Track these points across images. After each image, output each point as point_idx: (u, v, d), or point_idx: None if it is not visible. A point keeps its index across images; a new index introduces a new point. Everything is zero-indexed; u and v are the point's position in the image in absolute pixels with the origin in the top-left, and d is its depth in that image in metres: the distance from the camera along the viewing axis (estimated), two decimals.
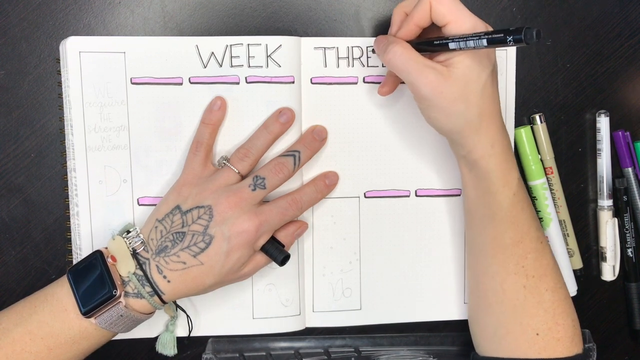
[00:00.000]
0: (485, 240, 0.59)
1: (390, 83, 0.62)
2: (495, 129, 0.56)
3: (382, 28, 0.65)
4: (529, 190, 0.67)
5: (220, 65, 0.62)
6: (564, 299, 0.59)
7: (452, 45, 0.51)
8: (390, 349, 0.69)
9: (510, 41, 0.45)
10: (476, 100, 0.54)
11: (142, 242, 0.57)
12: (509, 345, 0.59)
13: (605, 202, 0.69)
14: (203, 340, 0.66)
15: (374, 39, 0.64)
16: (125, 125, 0.62)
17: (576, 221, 0.69)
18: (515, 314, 0.58)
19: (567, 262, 0.68)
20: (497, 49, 0.65)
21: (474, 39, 0.49)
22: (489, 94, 0.54)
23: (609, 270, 0.70)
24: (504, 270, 0.58)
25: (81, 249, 0.63)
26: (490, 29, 0.54)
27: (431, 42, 0.54)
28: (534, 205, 0.66)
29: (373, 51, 0.63)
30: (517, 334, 0.58)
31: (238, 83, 0.62)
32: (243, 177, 0.59)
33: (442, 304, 0.68)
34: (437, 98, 0.53)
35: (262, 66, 0.62)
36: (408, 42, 0.56)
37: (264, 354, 0.67)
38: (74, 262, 0.62)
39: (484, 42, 0.48)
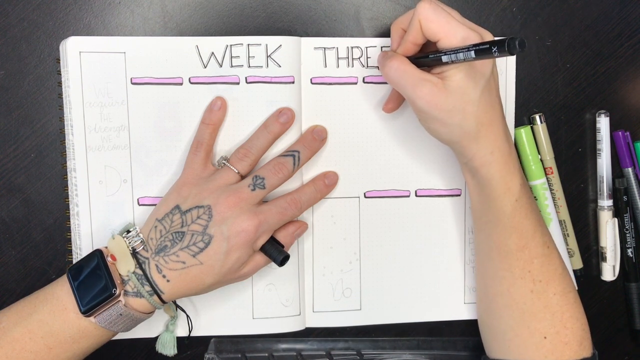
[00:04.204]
0: (492, 246, 0.59)
1: (394, 100, 0.63)
2: (495, 137, 0.56)
3: (381, 28, 0.65)
4: None
5: (221, 66, 0.62)
6: (573, 302, 0.59)
7: (444, 59, 0.52)
8: (392, 352, 0.68)
9: (495, 52, 0.46)
10: (473, 110, 0.54)
11: (141, 241, 0.57)
12: (517, 348, 0.59)
13: (605, 202, 0.69)
14: (203, 340, 0.66)
15: (374, 39, 0.64)
16: (126, 125, 0.62)
17: (576, 221, 0.69)
18: (523, 318, 0.58)
19: (567, 262, 0.68)
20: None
21: (463, 52, 0.50)
22: (486, 102, 0.54)
23: (609, 270, 0.70)
24: (511, 275, 0.58)
25: (81, 249, 0.63)
26: (488, 36, 0.54)
27: (427, 56, 0.54)
28: None
29: (376, 66, 0.64)
30: (525, 337, 0.58)
31: (238, 83, 0.62)
32: (243, 177, 0.59)
33: (442, 305, 0.68)
34: (434, 110, 0.54)
35: (262, 66, 0.62)
36: (408, 56, 0.56)
37: (266, 354, 0.67)
38: (74, 262, 0.62)
39: (472, 54, 0.49)
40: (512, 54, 0.45)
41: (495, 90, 0.56)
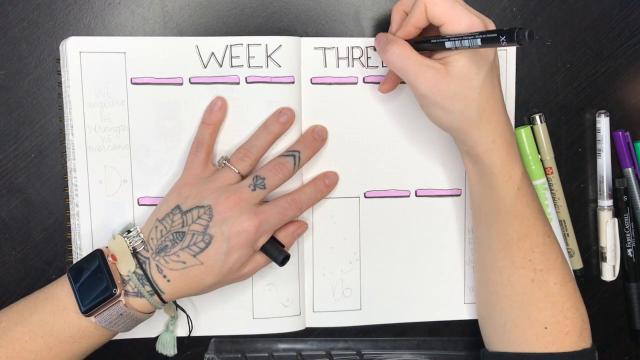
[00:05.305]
0: (492, 235, 0.59)
1: (391, 81, 0.63)
2: (496, 124, 0.56)
3: (382, 28, 0.65)
4: None
5: (221, 66, 0.62)
6: (573, 292, 0.59)
7: (448, 45, 0.51)
8: (392, 352, 0.68)
9: (503, 41, 0.45)
10: (474, 97, 0.54)
11: (142, 241, 0.57)
12: (517, 339, 0.59)
13: (605, 202, 0.69)
14: (203, 340, 0.66)
15: (374, 39, 0.64)
16: (126, 125, 0.62)
17: (576, 221, 0.69)
18: (524, 308, 0.58)
19: (568, 262, 0.68)
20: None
21: (468, 39, 0.49)
22: (488, 90, 0.54)
23: (609, 270, 0.70)
24: (511, 264, 0.58)
25: (81, 249, 0.63)
26: (491, 25, 0.54)
27: (429, 40, 0.54)
28: None
29: (374, 49, 0.63)
30: (525, 327, 0.58)
31: (238, 83, 0.62)
32: (243, 177, 0.59)
33: (441, 305, 0.68)
34: (436, 96, 0.54)
35: (262, 66, 0.62)
36: (408, 40, 0.56)
37: (266, 354, 0.67)
38: (74, 262, 0.62)
39: (478, 41, 0.48)
40: (520, 44, 0.44)
41: (497, 77, 0.56)
